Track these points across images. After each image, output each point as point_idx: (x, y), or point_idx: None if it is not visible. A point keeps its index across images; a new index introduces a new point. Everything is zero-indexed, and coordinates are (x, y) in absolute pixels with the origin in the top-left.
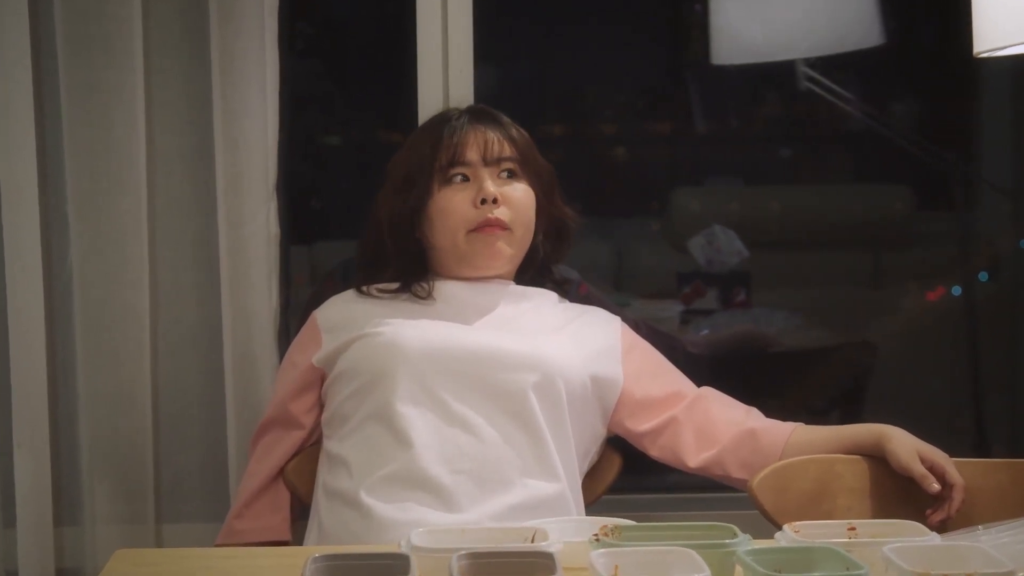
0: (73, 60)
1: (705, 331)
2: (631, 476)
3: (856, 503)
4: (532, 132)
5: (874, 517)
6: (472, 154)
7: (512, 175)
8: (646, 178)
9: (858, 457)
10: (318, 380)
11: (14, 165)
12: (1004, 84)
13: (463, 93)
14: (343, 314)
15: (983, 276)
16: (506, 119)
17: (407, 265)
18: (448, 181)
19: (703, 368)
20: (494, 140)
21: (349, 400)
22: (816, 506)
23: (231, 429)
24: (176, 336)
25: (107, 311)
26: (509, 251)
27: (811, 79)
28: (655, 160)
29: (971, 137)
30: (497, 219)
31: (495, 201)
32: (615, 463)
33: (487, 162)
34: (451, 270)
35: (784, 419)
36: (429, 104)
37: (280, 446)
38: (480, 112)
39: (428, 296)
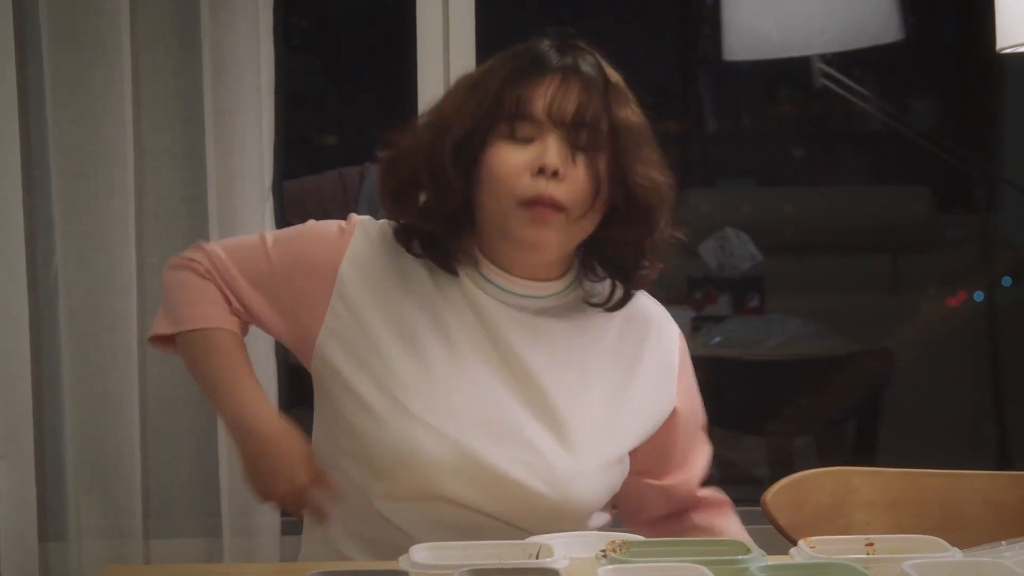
0: (59, 56)
1: (717, 338)
2: None
3: (874, 517)
4: None
5: (893, 532)
6: (542, 110)
7: (588, 149)
8: None
9: (876, 469)
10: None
11: None
12: None
13: None
14: (363, 286)
15: (1006, 281)
16: (603, 63)
17: (449, 214)
18: (509, 135)
19: (720, 375)
20: (576, 97)
21: (347, 459)
22: (832, 520)
23: (222, 442)
24: None
25: (94, 317)
26: (558, 241)
27: (827, 76)
28: (664, 160)
29: (993, 136)
30: (551, 197)
31: (555, 174)
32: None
33: (559, 124)
34: (493, 242)
35: (800, 429)
36: (430, 102)
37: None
38: (571, 52)
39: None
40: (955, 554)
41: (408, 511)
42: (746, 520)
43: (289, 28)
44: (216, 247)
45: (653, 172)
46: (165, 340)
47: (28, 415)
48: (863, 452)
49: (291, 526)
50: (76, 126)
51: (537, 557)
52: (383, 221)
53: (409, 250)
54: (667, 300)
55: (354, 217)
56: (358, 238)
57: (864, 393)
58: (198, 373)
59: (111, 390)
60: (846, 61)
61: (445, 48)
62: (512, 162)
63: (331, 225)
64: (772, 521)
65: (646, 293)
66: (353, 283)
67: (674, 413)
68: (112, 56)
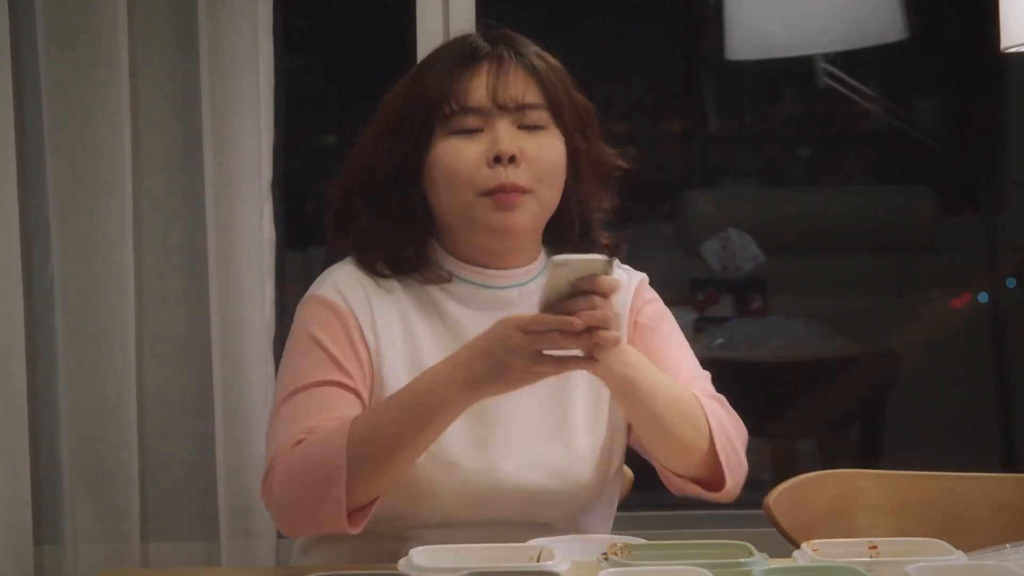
0: (55, 55)
1: (720, 340)
2: (642, 492)
3: (878, 520)
4: None
5: (897, 535)
6: (485, 98)
7: (538, 128)
8: (657, 179)
9: (880, 471)
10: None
11: None
12: None
13: None
14: (379, 338)
15: (1011, 282)
16: (534, 48)
17: (403, 235)
18: (454, 131)
19: (723, 377)
20: (517, 81)
21: None
22: (836, 523)
23: (220, 444)
24: (163, 346)
25: (90, 320)
26: (528, 221)
27: (831, 75)
28: (667, 160)
29: (998, 136)
30: (513, 184)
31: (512, 160)
32: (626, 479)
33: (506, 109)
34: (460, 239)
35: (803, 431)
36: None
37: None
38: (501, 39)
39: (444, 283)
40: (960, 557)
41: (419, 540)
42: (748, 523)
43: (289, 27)
44: (285, 441)
45: (602, 146)
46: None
47: (23, 418)
48: (867, 454)
49: None
50: (72, 126)
51: (538, 560)
52: (339, 269)
53: (378, 273)
54: (668, 302)
55: (321, 296)
56: (353, 305)
57: (868, 395)
58: (389, 428)
59: (108, 392)
60: (850, 60)
61: None
62: (465, 155)
63: (327, 321)
64: (775, 524)
65: (615, 262)
66: (374, 343)
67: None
68: (109, 56)
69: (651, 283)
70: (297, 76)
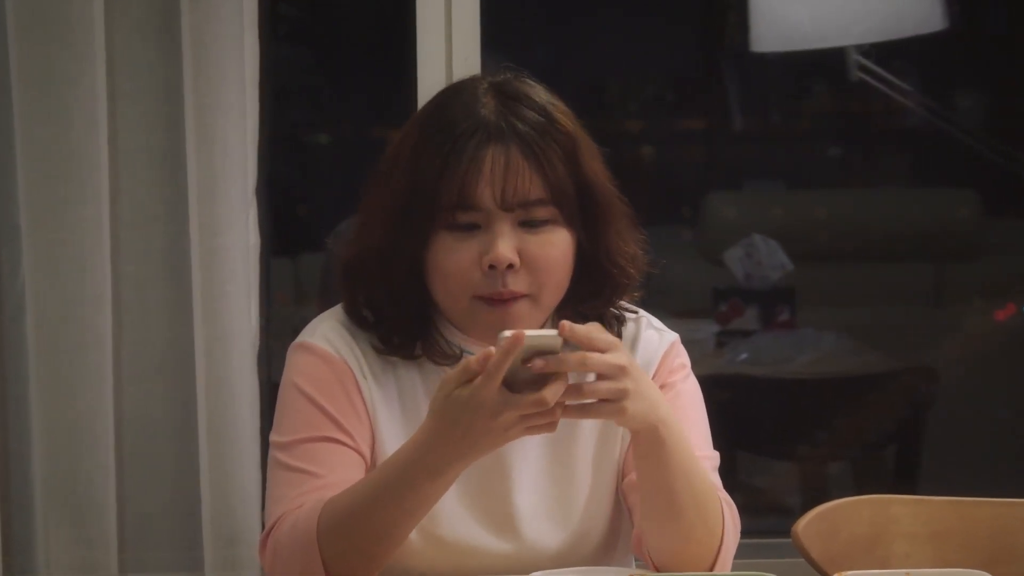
0: (26, 48)
1: (744, 355)
2: None
3: (915, 549)
4: None
5: (936, 565)
6: (489, 199)
7: (543, 223)
8: (677, 181)
9: (918, 497)
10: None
11: None
12: None
13: None
14: (367, 369)
15: None
16: (544, 101)
17: (409, 315)
18: (451, 225)
19: (747, 395)
20: (523, 178)
21: None
22: (870, 552)
23: (204, 467)
24: (142, 361)
25: (64, 333)
26: (526, 323)
27: (864, 69)
28: (687, 161)
29: None
30: (511, 291)
31: (510, 266)
32: None
33: (506, 206)
34: (458, 325)
35: (834, 453)
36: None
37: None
38: (508, 109)
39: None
40: None
41: None
42: (775, 552)
43: (277, 16)
44: (274, 513)
45: (625, 244)
46: None
47: None
48: (904, 479)
49: None
50: (45, 124)
51: None
52: (329, 319)
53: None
54: (689, 313)
55: (310, 344)
56: (344, 354)
57: (905, 414)
58: (362, 513)
59: (83, 411)
60: (885, 53)
61: (447, 39)
62: (460, 257)
63: (317, 370)
64: (804, 553)
65: (647, 321)
66: (369, 394)
67: None
68: (84, 47)
69: (672, 293)
70: (288, 70)
